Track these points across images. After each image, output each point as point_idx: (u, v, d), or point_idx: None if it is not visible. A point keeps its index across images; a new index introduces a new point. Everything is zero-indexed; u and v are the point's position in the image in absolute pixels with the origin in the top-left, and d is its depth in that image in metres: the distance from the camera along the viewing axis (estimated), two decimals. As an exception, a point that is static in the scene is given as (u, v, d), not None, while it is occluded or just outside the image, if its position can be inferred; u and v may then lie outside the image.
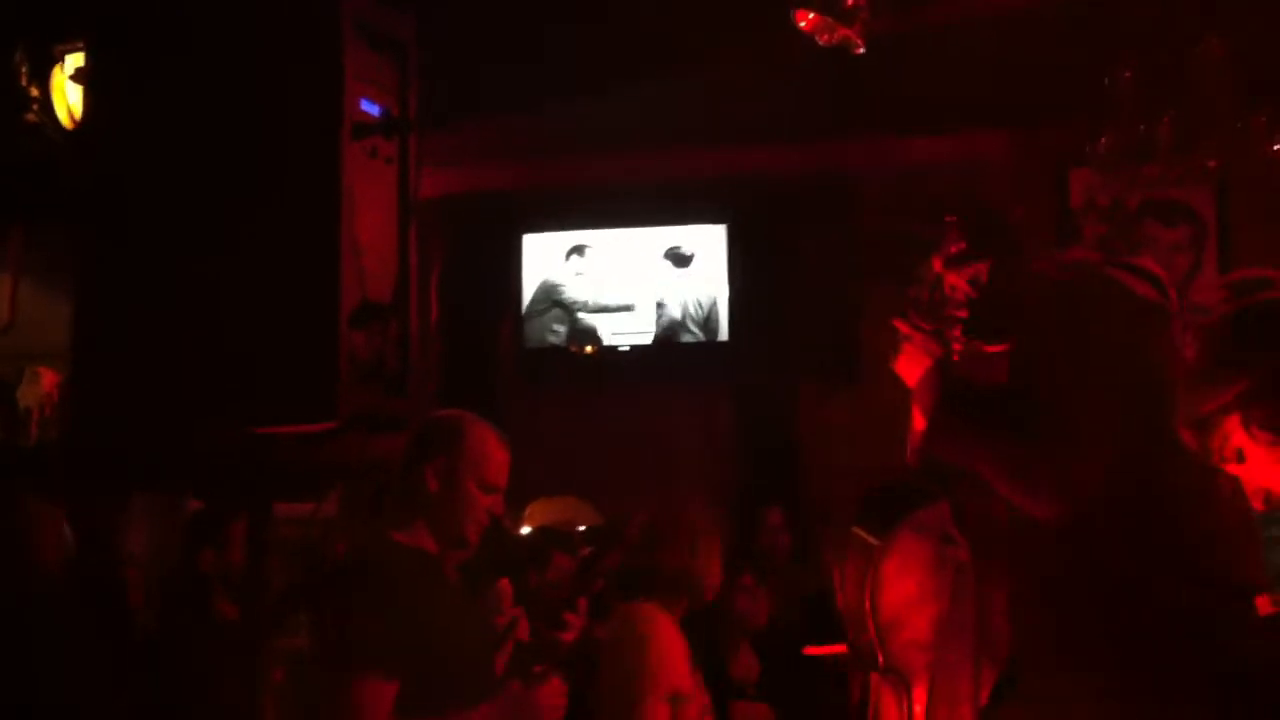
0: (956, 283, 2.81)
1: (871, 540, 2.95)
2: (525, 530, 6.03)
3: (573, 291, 7.18)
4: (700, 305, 7.09)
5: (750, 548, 5.45)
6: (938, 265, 2.82)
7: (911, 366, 2.73)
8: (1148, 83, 4.72)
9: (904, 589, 2.97)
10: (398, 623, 2.76)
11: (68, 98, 4.69)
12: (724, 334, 7.06)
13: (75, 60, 4.54)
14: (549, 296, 7.18)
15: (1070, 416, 2.42)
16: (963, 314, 2.83)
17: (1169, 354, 2.50)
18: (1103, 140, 4.82)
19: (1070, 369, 2.47)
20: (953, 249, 2.81)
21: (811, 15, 4.72)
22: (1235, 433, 2.01)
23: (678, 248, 7.12)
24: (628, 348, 7.10)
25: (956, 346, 2.83)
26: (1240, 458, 2.02)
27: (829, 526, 5.30)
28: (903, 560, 2.98)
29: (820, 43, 4.79)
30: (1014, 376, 2.62)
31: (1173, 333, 2.47)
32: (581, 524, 6.45)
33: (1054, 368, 2.49)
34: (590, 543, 5.49)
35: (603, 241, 7.23)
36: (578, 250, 7.20)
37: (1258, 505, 2.04)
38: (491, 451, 3.01)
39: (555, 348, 7.16)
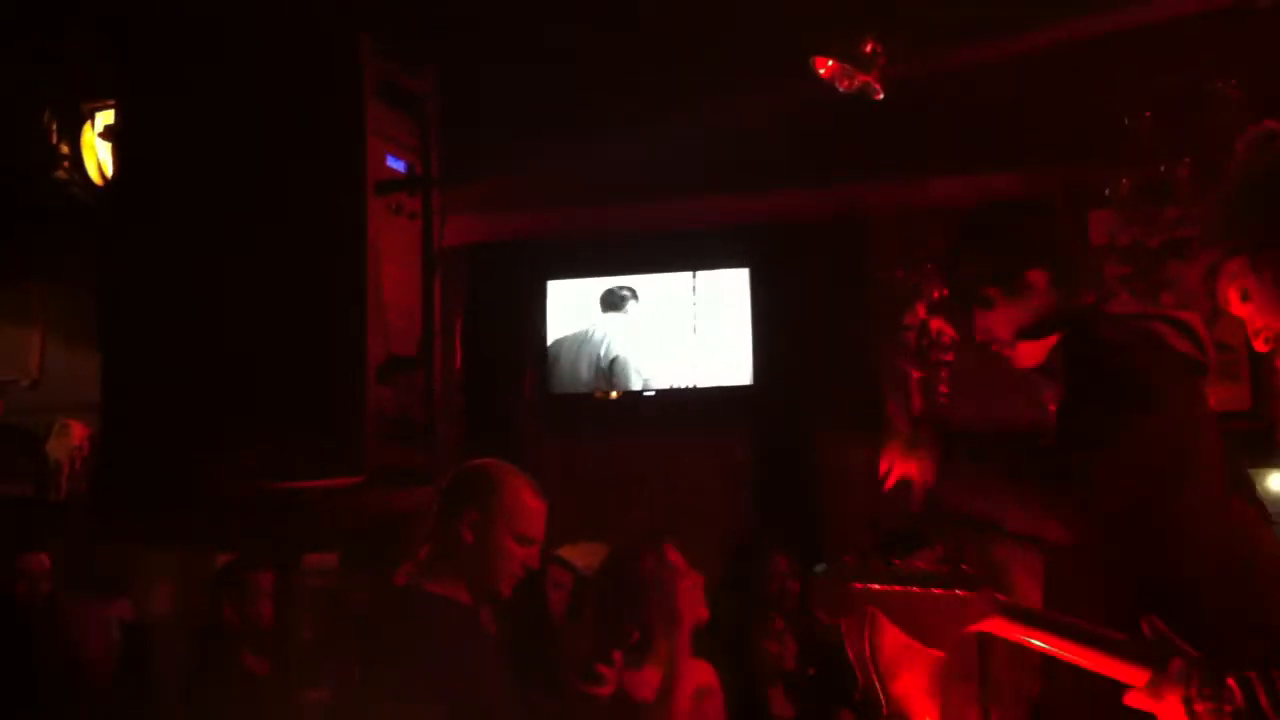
0: (942, 327, 2.84)
1: (872, 586, 2.95)
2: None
3: (600, 336, 7.20)
4: (724, 349, 7.10)
5: (760, 593, 5.45)
6: (922, 311, 2.86)
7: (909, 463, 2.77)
8: (1167, 124, 4.73)
9: (902, 634, 2.96)
10: (430, 674, 2.76)
11: (98, 154, 4.75)
12: (748, 378, 7.05)
13: (105, 118, 4.60)
14: (577, 341, 7.20)
15: (1092, 464, 2.45)
16: (949, 357, 2.86)
17: (1204, 409, 2.54)
18: (1123, 182, 4.83)
19: (1104, 422, 2.50)
20: (935, 295, 2.85)
21: (831, 62, 4.76)
22: (1243, 274, 2.03)
23: (611, 291, 7.16)
24: (652, 392, 7.11)
25: (943, 389, 2.87)
26: (1245, 297, 2.04)
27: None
28: None
29: (840, 89, 4.82)
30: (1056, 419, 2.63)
31: (1207, 387, 2.50)
32: (607, 570, 6.44)
33: (1088, 420, 2.52)
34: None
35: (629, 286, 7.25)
36: (615, 295, 7.21)
37: (1261, 346, 2.06)
38: (526, 503, 2.99)
39: (579, 393, 7.17)
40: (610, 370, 7.11)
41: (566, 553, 6.40)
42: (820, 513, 6.77)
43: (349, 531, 3.68)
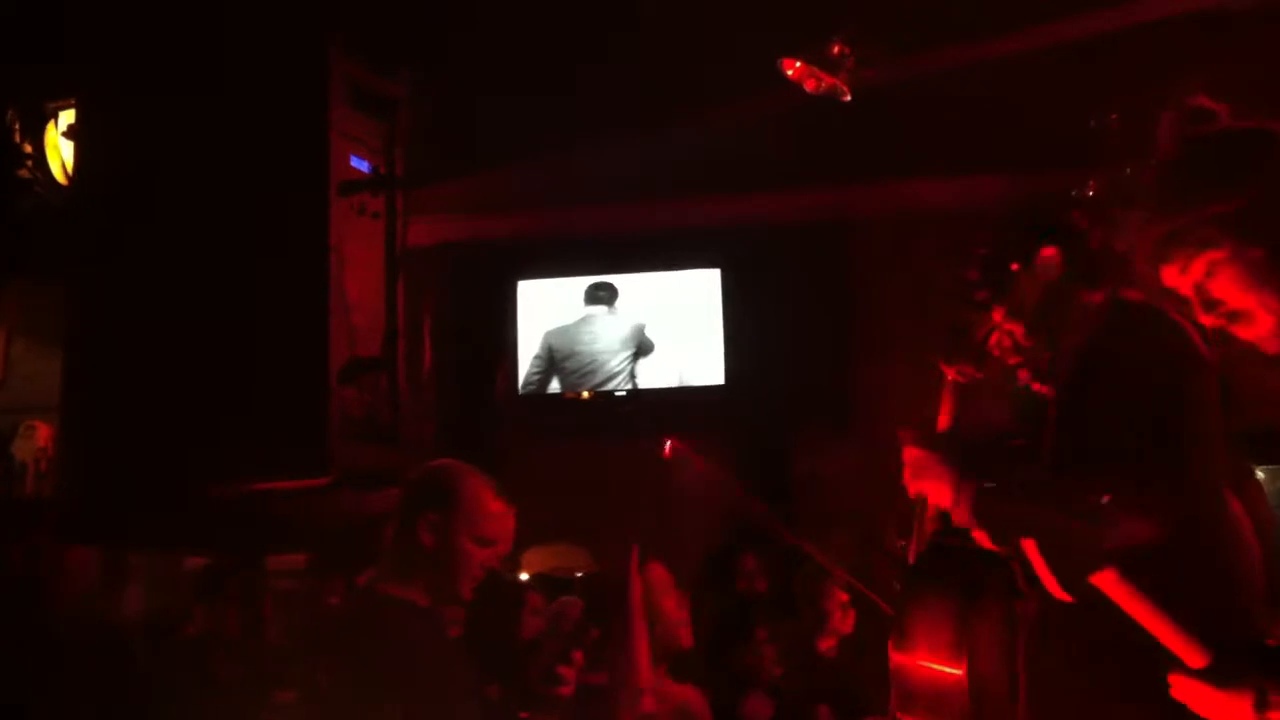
0: (1015, 329, 2.79)
1: (952, 601, 2.87)
2: (523, 577, 6.02)
3: (573, 337, 7.18)
4: (695, 350, 7.10)
5: (729, 592, 5.44)
6: (998, 316, 2.78)
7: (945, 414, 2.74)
8: (1134, 126, 4.73)
9: (991, 651, 2.92)
10: (385, 675, 2.75)
11: (61, 153, 4.71)
12: (720, 378, 7.06)
13: (68, 117, 4.57)
14: (549, 343, 7.17)
15: (1101, 459, 2.43)
16: (1017, 360, 2.81)
17: (1209, 403, 2.51)
18: (1090, 183, 4.83)
19: (1110, 409, 2.47)
20: (1017, 296, 2.78)
21: (798, 64, 4.75)
22: (1220, 246, 1.99)
23: (597, 285, 7.15)
24: (623, 393, 7.10)
25: (1027, 383, 2.81)
26: (1211, 272, 2.00)
27: (826, 578, 5.27)
28: (990, 624, 2.92)
29: (807, 90, 4.81)
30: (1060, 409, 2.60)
31: (1212, 384, 2.48)
32: (577, 571, 6.43)
33: (1094, 406, 2.49)
34: (585, 591, 5.46)
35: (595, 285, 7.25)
36: (602, 288, 7.20)
37: (1207, 320, 2.04)
38: (486, 505, 2.98)
39: (550, 394, 7.15)
40: (634, 356, 7.09)
41: (535, 554, 6.39)
42: (795, 513, 6.78)
43: (318, 534, 3.66)
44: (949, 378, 2.87)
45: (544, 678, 3.07)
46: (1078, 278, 2.72)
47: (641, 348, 7.10)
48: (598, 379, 7.09)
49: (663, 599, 3.97)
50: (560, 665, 3.06)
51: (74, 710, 3.98)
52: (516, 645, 4.54)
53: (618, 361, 7.11)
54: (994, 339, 2.80)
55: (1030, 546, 2.28)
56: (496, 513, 2.97)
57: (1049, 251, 2.71)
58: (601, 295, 7.16)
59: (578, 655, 3.10)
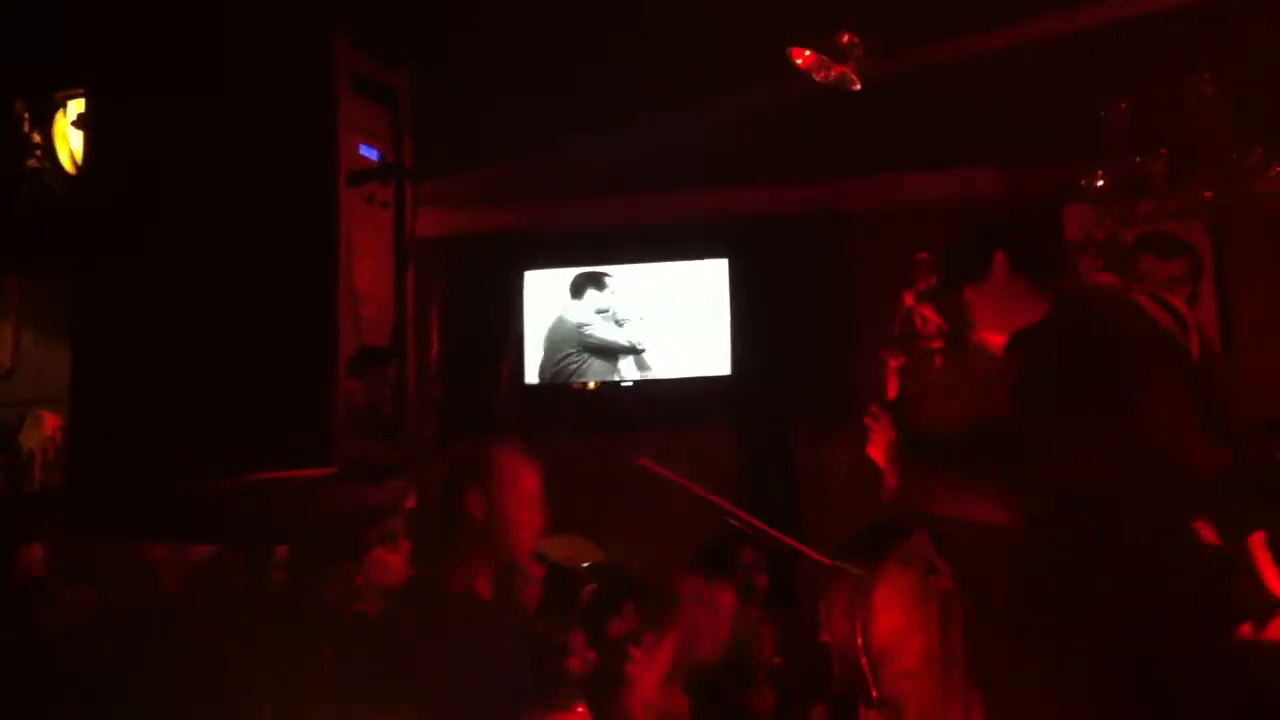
0: (928, 315, 2.86)
1: (857, 572, 2.99)
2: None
3: (553, 330, 7.18)
4: (703, 339, 7.10)
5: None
6: (909, 299, 2.88)
7: (878, 448, 2.81)
8: (1142, 118, 4.74)
9: (893, 620, 3.00)
10: (429, 661, 2.78)
11: (70, 143, 4.72)
12: (726, 369, 7.06)
13: (77, 106, 4.57)
14: (558, 331, 7.17)
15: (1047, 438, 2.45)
16: (936, 345, 2.88)
17: (1170, 385, 2.51)
18: (1098, 175, 4.84)
19: (1063, 391, 2.49)
20: (922, 284, 2.87)
21: (808, 53, 4.75)
22: None
23: (583, 275, 7.14)
24: (630, 383, 7.10)
25: (928, 378, 2.88)
26: None
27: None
28: (891, 591, 3.00)
29: (817, 79, 4.82)
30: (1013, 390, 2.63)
31: (1180, 366, 2.49)
32: (585, 561, 6.43)
33: (1048, 388, 2.51)
34: (595, 579, 5.47)
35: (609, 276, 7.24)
36: (594, 283, 7.19)
37: None
38: (524, 468, 3.07)
39: (555, 385, 7.15)
40: (615, 352, 7.08)
41: (545, 544, 6.39)
42: (798, 504, 6.78)
43: (317, 526, 3.66)
44: (891, 364, 2.96)
45: (612, 658, 3.14)
46: (1028, 273, 2.77)
47: (621, 343, 7.09)
48: (567, 374, 7.09)
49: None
50: (631, 646, 3.15)
51: (78, 703, 3.99)
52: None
53: (587, 357, 7.11)
54: (917, 322, 2.87)
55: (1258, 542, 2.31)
56: (535, 479, 3.05)
57: (999, 257, 2.76)
58: (587, 288, 7.17)
59: (649, 636, 3.18)
